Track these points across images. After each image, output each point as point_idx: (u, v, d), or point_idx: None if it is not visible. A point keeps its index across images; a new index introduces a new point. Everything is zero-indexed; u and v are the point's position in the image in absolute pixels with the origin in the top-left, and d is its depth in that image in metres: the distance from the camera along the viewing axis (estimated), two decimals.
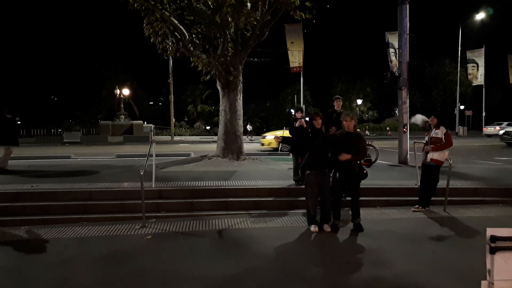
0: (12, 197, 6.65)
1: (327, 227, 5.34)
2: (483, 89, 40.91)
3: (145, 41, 10.27)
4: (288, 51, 32.59)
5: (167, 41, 10.13)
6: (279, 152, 14.95)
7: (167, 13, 9.43)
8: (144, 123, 36.42)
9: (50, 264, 4.28)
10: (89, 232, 5.39)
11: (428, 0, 41.96)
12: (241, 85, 10.68)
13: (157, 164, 8.47)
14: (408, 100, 11.15)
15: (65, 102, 54.32)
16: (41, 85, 51.88)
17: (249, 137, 32.30)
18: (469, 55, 39.92)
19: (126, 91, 36.09)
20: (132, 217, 6.09)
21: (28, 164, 11.04)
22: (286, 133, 18.16)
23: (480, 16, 32.34)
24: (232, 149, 10.39)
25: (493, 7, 33.31)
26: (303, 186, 5.69)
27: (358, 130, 5.65)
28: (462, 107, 41.11)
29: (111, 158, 14.68)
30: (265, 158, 12.03)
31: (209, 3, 9.47)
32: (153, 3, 9.07)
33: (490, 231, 2.34)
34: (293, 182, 7.55)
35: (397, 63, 12.06)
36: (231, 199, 6.82)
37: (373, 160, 10.51)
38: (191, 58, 10.32)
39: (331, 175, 5.47)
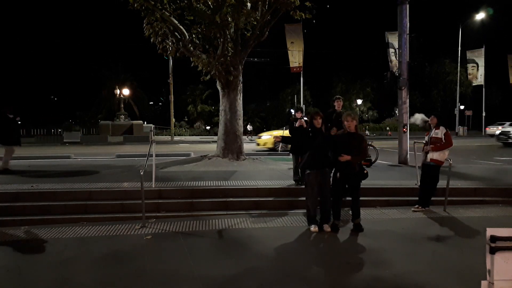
0: (12, 197, 6.65)
1: (327, 227, 5.34)
2: (483, 89, 40.92)
3: (145, 41, 10.28)
4: (288, 51, 32.59)
5: (167, 41, 10.13)
6: (279, 152, 14.95)
7: (167, 13, 9.43)
8: (144, 123, 36.43)
9: (50, 264, 4.28)
10: (89, 232, 5.39)
11: (428, 0, 41.98)
12: (241, 85, 10.68)
13: (157, 164, 8.47)
14: (408, 100, 11.15)
15: (65, 102, 54.35)
16: (41, 85, 51.94)
17: (249, 137, 32.32)
18: (469, 55, 39.93)
19: (126, 91, 36.09)
20: (132, 217, 6.09)
21: (28, 164, 11.04)
22: (284, 133, 18.17)
23: (480, 16, 32.35)
24: (232, 149, 10.39)
25: (493, 7, 33.35)
26: (303, 186, 5.69)
27: (364, 130, 5.65)
28: (462, 107, 41.13)
29: (111, 158, 14.68)
30: (265, 158, 12.03)
31: (209, 3, 9.47)
32: (153, 3, 9.07)
33: (490, 231, 2.34)
34: (293, 182, 7.55)
35: (397, 63, 12.06)
36: (231, 199, 6.82)
37: (373, 160, 10.51)
38: (191, 58, 10.32)
39: (331, 174, 5.48)
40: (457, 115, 38.72)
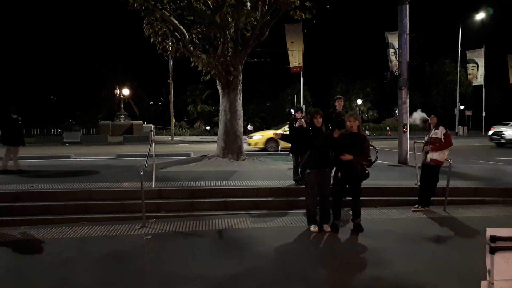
0: (12, 197, 6.65)
1: (327, 227, 5.34)
2: (483, 89, 40.93)
3: (145, 41, 10.28)
4: (288, 51, 32.59)
5: (167, 41, 10.13)
6: (279, 152, 14.95)
7: (167, 13, 9.43)
8: (144, 123, 36.40)
9: (50, 264, 4.28)
10: (89, 232, 5.39)
11: (428, 0, 41.98)
12: (241, 85, 10.68)
13: (157, 164, 8.47)
14: (408, 100, 11.15)
15: (65, 102, 54.32)
16: (41, 85, 51.89)
17: None
18: (469, 55, 39.93)
19: (126, 91, 36.07)
20: (132, 217, 6.09)
21: (28, 164, 11.03)
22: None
23: (480, 16, 32.37)
24: (232, 149, 10.39)
25: (493, 7, 33.36)
26: (303, 186, 5.69)
27: (364, 130, 5.63)
28: (462, 107, 41.13)
29: (111, 158, 14.68)
30: (265, 158, 12.03)
31: (209, 3, 9.47)
32: (153, 3, 9.07)
33: (490, 231, 2.34)
34: (293, 182, 7.55)
35: (397, 63, 12.07)
36: (231, 199, 6.82)
37: (373, 160, 10.50)
38: (191, 58, 10.32)
39: (332, 174, 5.47)
40: (457, 115, 38.73)
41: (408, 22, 11.04)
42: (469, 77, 41.64)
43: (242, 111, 10.65)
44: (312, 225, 5.37)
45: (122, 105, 35.26)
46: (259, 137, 17.51)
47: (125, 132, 32.04)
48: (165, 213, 6.40)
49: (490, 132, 20.82)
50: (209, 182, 7.57)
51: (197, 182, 7.54)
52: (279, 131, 17.80)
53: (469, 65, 40.78)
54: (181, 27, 9.72)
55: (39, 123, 31.63)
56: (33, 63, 49.47)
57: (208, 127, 46.55)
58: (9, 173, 8.67)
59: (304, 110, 15.21)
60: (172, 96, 30.85)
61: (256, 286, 3.65)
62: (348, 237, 5.17)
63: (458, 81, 39.52)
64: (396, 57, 18.43)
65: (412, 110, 11.39)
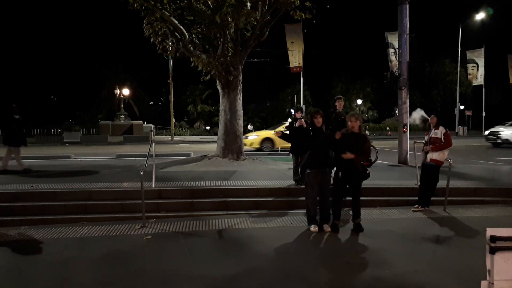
0: (12, 197, 6.65)
1: (327, 227, 5.34)
2: (483, 89, 40.90)
3: (145, 41, 10.28)
4: (288, 51, 32.59)
5: (167, 41, 10.13)
6: (279, 152, 14.95)
7: (167, 13, 9.43)
8: (144, 123, 36.41)
9: (50, 264, 4.28)
10: (89, 232, 5.39)
11: (428, 0, 41.98)
12: (241, 85, 10.68)
13: (157, 164, 8.47)
14: (408, 100, 11.15)
15: (65, 102, 54.30)
16: (41, 85, 51.86)
17: None
18: (469, 55, 39.91)
19: (126, 91, 36.08)
20: (132, 217, 6.09)
21: (28, 164, 10.98)
22: (268, 133, 18.11)
23: (480, 16, 32.36)
24: (232, 149, 10.38)
25: (493, 7, 33.34)
26: (303, 186, 5.69)
27: (364, 130, 5.62)
28: (462, 107, 41.12)
29: (111, 158, 14.69)
30: (265, 158, 12.04)
31: (209, 3, 9.47)
32: (153, 3, 9.07)
33: (490, 231, 2.34)
34: (293, 182, 7.55)
35: (397, 63, 12.06)
36: (231, 199, 6.82)
37: (373, 160, 10.51)
38: (191, 58, 10.32)
39: (332, 174, 5.47)
40: (457, 115, 38.72)
41: (408, 22, 11.04)
42: (469, 77, 41.62)
43: (242, 111, 10.65)
44: (312, 225, 5.38)
45: (122, 105, 35.27)
46: (254, 137, 17.56)
47: (125, 132, 32.05)
48: (165, 213, 6.40)
49: (486, 133, 20.84)
50: (209, 182, 7.57)
51: (197, 182, 7.54)
52: (280, 128, 17.86)
53: (469, 65, 40.76)
54: (181, 27, 9.72)
55: (39, 123, 31.62)
56: (33, 63, 49.49)
57: (208, 127, 46.53)
58: (9, 173, 8.67)
59: (304, 110, 15.21)
60: (172, 96, 30.85)
61: (256, 286, 3.65)
62: (348, 237, 5.17)
63: (458, 81, 39.51)
64: (396, 57, 18.43)
65: (412, 110, 11.39)
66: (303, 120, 7.05)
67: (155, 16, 9.54)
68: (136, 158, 13.74)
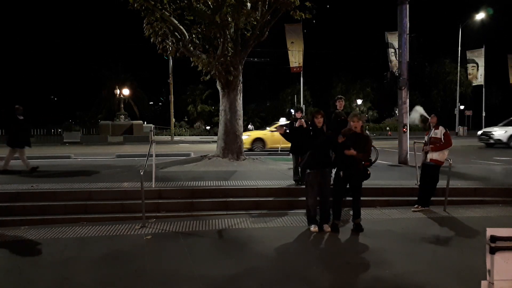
0: (12, 197, 6.65)
1: (327, 227, 5.34)
2: (483, 89, 40.88)
3: (145, 41, 10.28)
4: (288, 51, 32.59)
5: (167, 41, 10.13)
6: (279, 152, 14.95)
7: (167, 13, 9.43)
8: (144, 123, 36.41)
9: (50, 264, 4.28)
10: (89, 232, 5.39)
11: (428, 0, 41.98)
12: (241, 85, 10.68)
13: (157, 164, 8.47)
14: (408, 100, 11.16)
15: (65, 102, 54.26)
16: (41, 85, 51.83)
17: None
18: (469, 55, 39.90)
19: (126, 91, 36.08)
20: (132, 217, 6.09)
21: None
22: (259, 133, 18.15)
23: (480, 16, 32.36)
24: (232, 149, 10.38)
25: (493, 7, 33.36)
26: (303, 186, 5.69)
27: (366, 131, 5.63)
28: (462, 107, 41.10)
29: (111, 158, 14.68)
30: (265, 158, 12.04)
31: (209, 3, 9.47)
32: (153, 3, 9.07)
33: (490, 231, 2.34)
34: (293, 182, 7.55)
35: (397, 63, 12.06)
36: (231, 199, 6.82)
37: (373, 160, 10.51)
38: (191, 58, 10.32)
39: (332, 174, 5.47)
40: (457, 115, 38.71)
41: (408, 22, 11.04)
42: (469, 77, 41.60)
43: (242, 111, 10.65)
44: (312, 225, 5.38)
45: (122, 105, 35.26)
46: (245, 138, 17.56)
47: (125, 132, 32.04)
48: (165, 213, 6.40)
49: (479, 133, 20.96)
50: (209, 182, 7.57)
51: (197, 182, 7.54)
52: (271, 128, 17.80)
53: (469, 65, 40.73)
54: (181, 27, 9.72)
55: (39, 123, 31.58)
56: (33, 63, 49.47)
57: (208, 127, 46.53)
58: (9, 173, 8.66)
59: (304, 110, 15.21)
60: (172, 96, 30.85)
61: (256, 286, 3.65)
62: (348, 237, 5.17)
63: (458, 81, 39.50)
64: (396, 57, 18.43)
65: (412, 110, 11.40)
66: (303, 120, 7.05)
67: (155, 16, 9.54)
68: (136, 158, 13.74)
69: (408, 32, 11.08)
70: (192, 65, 10.40)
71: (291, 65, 33.21)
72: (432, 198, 6.55)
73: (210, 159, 10.42)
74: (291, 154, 8.06)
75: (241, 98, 10.68)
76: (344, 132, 5.32)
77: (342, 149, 5.21)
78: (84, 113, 45.08)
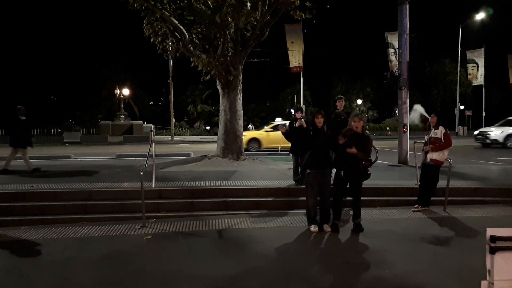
0: (12, 197, 6.65)
1: (327, 227, 5.34)
2: (483, 89, 40.87)
3: (145, 41, 10.28)
4: (288, 51, 32.59)
5: (167, 41, 10.13)
6: (279, 152, 14.95)
7: (167, 13, 9.43)
8: (144, 123, 36.40)
9: (50, 264, 4.28)
10: (89, 232, 5.39)
11: (428, 0, 41.97)
12: (241, 85, 10.68)
13: (157, 164, 8.47)
14: (408, 100, 11.16)
15: (65, 102, 54.24)
16: (41, 85, 51.81)
17: None
18: (469, 55, 39.89)
19: (126, 91, 36.06)
20: (132, 217, 6.09)
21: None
22: (255, 133, 18.17)
23: (480, 16, 32.35)
24: (232, 149, 10.39)
25: (493, 7, 33.35)
26: (303, 186, 5.69)
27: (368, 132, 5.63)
28: (462, 107, 41.09)
29: (111, 158, 14.68)
30: (265, 158, 12.04)
31: (209, 3, 9.47)
32: (153, 3, 9.07)
33: (490, 231, 2.34)
34: (293, 182, 7.55)
35: (397, 63, 12.06)
36: (231, 199, 6.82)
37: (373, 160, 10.51)
38: (191, 58, 10.32)
39: (333, 174, 5.47)
40: (457, 115, 38.70)
41: (408, 22, 11.04)
42: (469, 77, 41.60)
43: (242, 111, 10.65)
44: (312, 225, 5.37)
45: (122, 105, 35.25)
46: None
47: (125, 132, 32.04)
48: (165, 213, 6.40)
49: (476, 133, 21.02)
50: (209, 182, 7.57)
51: (197, 182, 7.54)
52: (266, 128, 17.74)
53: (469, 65, 40.73)
54: (181, 27, 9.72)
55: (39, 123, 31.53)
56: (33, 63, 49.43)
57: (208, 127, 46.52)
58: (9, 173, 8.66)
59: (304, 110, 15.21)
60: (172, 96, 30.85)
61: (256, 286, 3.65)
62: (348, 237, 5.17)
63: (458, 81, 39.50)
64: (396, 57, 18.43)
65: (411, 109, 11.40)
66: (303, 120, 7.04)
67: (155, 16, 9.54)
68: (136, 158, 13.74)
69: (408, 32, 11.08)
70: (192, 65, 10.41)
71: (291, 65, 33.21)
72: (432, 198, 6.55)
73: (210, 159, 10.42)
74: (291, 154, 8.06)
75: (241, 98, 10.68)
76: (344, 132, 5.31)
77: (343, 148, 5.20)
78: (84, 113, 45.07)
